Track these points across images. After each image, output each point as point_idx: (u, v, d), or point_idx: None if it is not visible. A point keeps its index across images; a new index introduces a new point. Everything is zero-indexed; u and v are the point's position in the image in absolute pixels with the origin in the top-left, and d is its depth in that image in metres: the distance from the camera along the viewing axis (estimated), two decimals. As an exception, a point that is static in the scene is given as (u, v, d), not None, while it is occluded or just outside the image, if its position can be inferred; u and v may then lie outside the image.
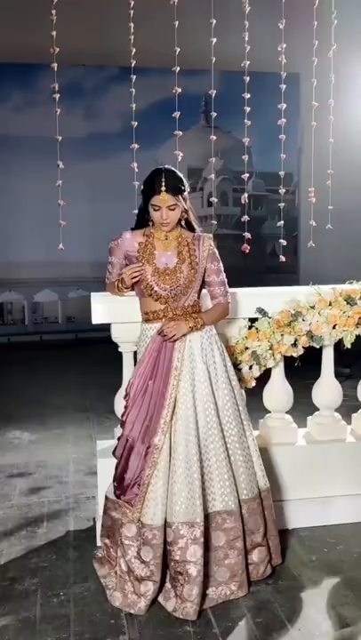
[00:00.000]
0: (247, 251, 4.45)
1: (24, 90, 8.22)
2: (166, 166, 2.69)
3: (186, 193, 2.70)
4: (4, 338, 8.60)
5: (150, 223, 2.73)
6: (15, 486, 3.85)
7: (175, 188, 2.62)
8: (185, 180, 2.71)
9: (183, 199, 2.67)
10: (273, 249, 9.20)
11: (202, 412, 2.66)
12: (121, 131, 7.71)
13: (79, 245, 7.55)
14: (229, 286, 2.85)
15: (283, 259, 4.52)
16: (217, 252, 2.78)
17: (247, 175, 4.68)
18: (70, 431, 4.92)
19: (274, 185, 9.91)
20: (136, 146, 4.27)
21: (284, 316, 3.10)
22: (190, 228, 2.78)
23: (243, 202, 4.65)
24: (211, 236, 2.79)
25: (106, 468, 2.94)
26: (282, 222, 4.78)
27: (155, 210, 2.64)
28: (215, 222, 5.03)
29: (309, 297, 3.15)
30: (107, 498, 2.79)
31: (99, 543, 2.92)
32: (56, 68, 4.02)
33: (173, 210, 2.64)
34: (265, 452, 3.19)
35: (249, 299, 3.17)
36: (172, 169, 2.69)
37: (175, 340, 2.66)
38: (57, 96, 4.15)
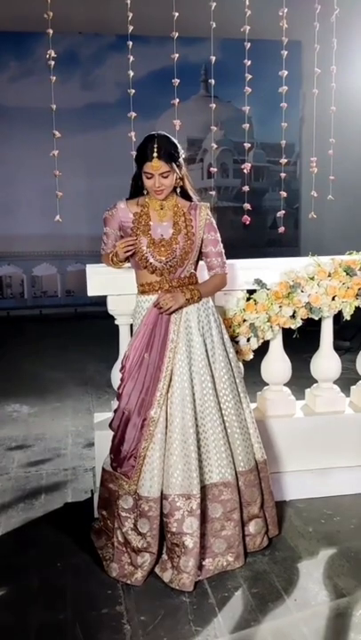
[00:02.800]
0: (248, 222, 4.38)
1: (20, 59, 8.04)
2: (160, 132, 2.61)
3: (181, 160, 2.63)
4: (4, 312, 8.56)
5: (145, 192, 2.67)
6: (13, 459, 3.85)
7: (168, 155, 2.54)
8: (179, 147, 2.63)
9: (178, 166, 2.60)
10: (274, 221, 9.10)
11: (198, 385, 2.63)
12: (119, 101, 7.54)
13: (77, 218, 7.46)
14: (228, 259, 2.80)
15: (282, 229, 4.46)
16: (214, 222, 2.73)
17: (248, 145, 4.59)
18: (69, 404, 4.92)
19: (275, 156, 9.77)
20: (133, 114, 4.18)
21: (283, 288, 3.06)
22: (187, 197, 2.72)
23: (244, 171, 4.56)
24: (208, 205, 2.73)
25: (103, 441, 2.92)
26: (283, 193, 4.71)
27: (147, 177, 2.57)
28: (214, 193, 4.94)
29: (308, 268, 3.10)
30: (104, 470, 2.78)
31: (96, 515, 2.92)
32: (51, 35, 3.91)
33: (167, 177, 2.57)
34: (263, 424, 3.18)
35: (247, 270, 3.12)
36: (166, 134, 2.61)
37: (171, 313, 2.62)
38: (52, 63, 4.04)
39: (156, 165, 2.53)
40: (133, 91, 4.19)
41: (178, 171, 2.60)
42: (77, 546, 2.83)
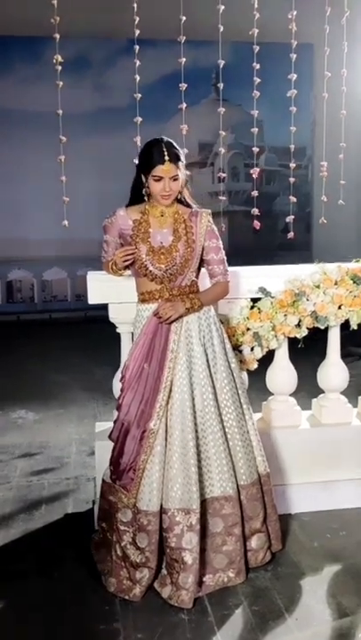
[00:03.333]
0: (258, 227, 4.33)
1: (31, 64, 8.05)
2: (163, 137, 2.57)
3: (183, 166, 2.58)
4: (14, 316, 8.56)
5: (146, 198, 2.62)
6: (16, 467, 3.81)
7: (177, 157, 2.52)
8: (182, 153, 2.60)
9: (182, 172, 2.56)
10: (285, 225, 9.00)
11: (199, 396, 2.57)
12: (130, 104, 7.49)
13: (88, 222, 7.43)
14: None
15: (291, 235, 4.39)
16: (216, 229, 2.67)
17: (257, 149, 4.55)
18: (74, 411, 4.88)
19: (286, 160, 9.66)
20: (139, 119, 4.16)
21: (288, 296, 2.99)
22: (186, 205, 2.67)
23: (253, 175, 4.51)
24: (209, 211, 2.67)
25: (103, 451, 2.87)
26: (292, 198, 4.65)
27: (155, 180, 2.51)
28: (224, 198, 4.89)
29: (314, 276, 3.03)
30: (103, 481, 2.73)
31: (96, 527, 2.87)
32: (58, 39, 3.89)
33: (176, 180, 2.53)
34: (268, 435, 3.11)
35: (251, 278, 3.06)
36: (170, 140, 2.57)
37: (171, 322, 2.56)
38: (59, 68, 4.04)
39: (167, 168, 2.48)
40: (140, 95, 4.17)
41: (182, 176, 2.56)
42: (76, 559, 2.78)
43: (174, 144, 2.57)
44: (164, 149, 2.49)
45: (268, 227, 8.47)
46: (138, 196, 2.65)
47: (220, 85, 4.41)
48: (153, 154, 2.51)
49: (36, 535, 3.01)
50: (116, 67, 8.24)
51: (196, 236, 2.61)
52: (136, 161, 2.68)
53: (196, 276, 2.69)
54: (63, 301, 8.81)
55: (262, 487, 2.70)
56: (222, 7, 3.99)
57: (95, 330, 7.90)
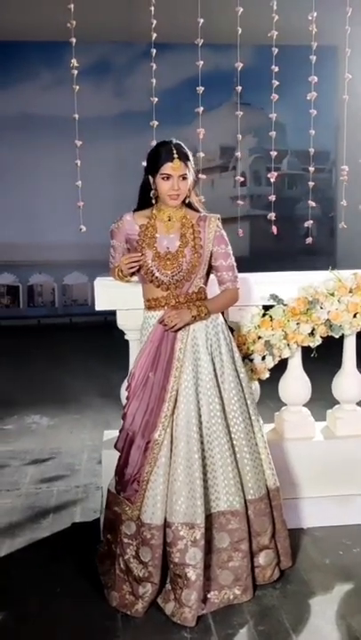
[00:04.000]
0: (275, 232, 4.27)
1: (52, 68, 8.08)
2: (173, 139, 2.52)
3: (192, 169, 2.52)
4: (34, 320, 8.58)
5: (153, 201, 2.56)
6: (26, 474, 3.78)
7: (186, 157, 2.47)
8: (191, 155, 2.54)
9: (191, 173, 2.50)
10: (308, 230, 8.89)
11: (205, 407, 2.50)
12: (150, 109, 7.50)
13: (108, 227, 7.43)
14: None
15: (310, 240, 4.30)
16: (225, 234, 2.59)
17: (275, 152, 4.48)
18: (89, 417, 4.84)
19: (309, 163, 9.57)
20: (156, 123, 4.14)
21: (301, 304, 2.90)
22: (195, 209, 2.61)
23: (271, 179, 4.44)
24: (218, 216, 2.60)
25: (110, 460, 2.80)
26: (311, 202, 4.58)
27: (164, 179, 2.45)
28: (242, 202, 4.81)
29: (328, 283, 2.93)
30: (109, 491, 2.67)
31: (102, 537, 2.81)
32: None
33: (185, 180, 2.47)
34: (280, 447, 3.03)
35: (263, 284, 2.97)
36: (180, 141, 2.52)
37: (177, 330, 2.49)
38: (74, 72, 4.06)
39: (176, 165, 2.43)
40: (156, 99, 4.16)
41: (191, 178, 2.49)
42: (80, 570, 2.72)
43: (183, 145, 2.52)
44: (173, 148, 2.44)
45: (290, 231, 8.38)
46: (145, 199, 2.60)
47: (238, 88, 4.38)
48: (161, 153, 2.46)
49: (42, 545, 2.96)
50: (137, 71, 8.22)
51: (203, 242, 2.54)
52: (144, 164, 2.62)
53: (205, 283, 2.62)
54: (83, 306, 8.80)
55: (271, 502, 2.61)
56: (241, 9, 3.95)
57: (115, 335, 7.87)
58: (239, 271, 2.64)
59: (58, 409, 5.02)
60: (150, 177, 2.52)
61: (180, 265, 2.50)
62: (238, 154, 4.74)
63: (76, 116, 4.17)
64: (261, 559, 2.57)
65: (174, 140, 2.51)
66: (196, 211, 2.60)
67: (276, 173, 4.45)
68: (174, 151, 2.43)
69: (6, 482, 3.66)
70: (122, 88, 8.48)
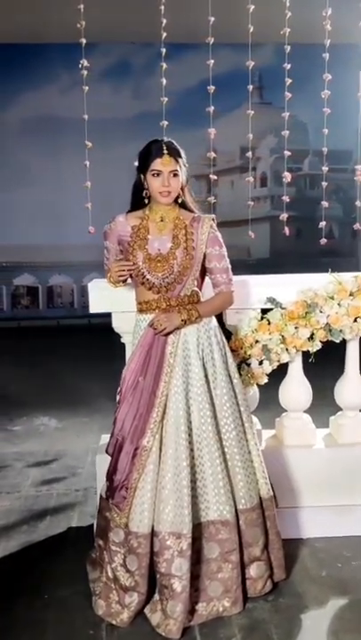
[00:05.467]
0: (288, 233, 4.22)
1: (70, 70, 8.09)
2: (165, 137, 2.48)
3: (184, 168, 2.46)
4: (54, 321, 8.63)
5: (146, 201, 2.50)
6: (28, 476, 3.77)
7: (177, 152, 2.42)
8: (183, 153, 2.48)
9: (182, 171, 2.44)
10: (329, 230, 8.74)
11: (196, 413, 2.43)
12: (168, 110, 7.47)
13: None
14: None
15: (323, 241, 4.22)
16: (219, 236, 2.52)
17: (289, 153, 4.43)
18: (97, 420, 4.81)
19: (332, 164, 9.41)
20: (165, 122, 4.15)
21: (299, 307, 2.81)
22: (189, 210, 2.54)
23: (284, 180, 4.37)
24: (212, 217, 2.54)
25: (105, 464, 2.76)
26: (324, 203, 4.51)
27: (154, 176, 2.40)
28: (252, 203, 4.74)
29: (328, 286, 2.84)
30: (101, 497, 2.63)
31: (95, 544, 2.77)
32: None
33: (175, 177, 2.41)
34: (280, 454, 2.95)
35: (261, 287, 2.90)
36: (172, 140, 2.48)
37: (167, 334, 2.43)
38: (84, 72, 4.08)
39: (166, 161, 2.38)
40: (166, 99, 4.15)
41: (183, 176, 2.44)
42: (71, 576, 2.68)
43: (175, 143, 2.47)
44: (163, 145, 2.40)
45: (310, 232, 8.23)
46: (138, 200, 2.55)
47: (250, 87, 4.39)
48: (152, 150, 2.42)
49: (36, 549, 2.93)
50: (156, 72, 8.20)
51: (196, 243, 2.48)
52: (136, 163, 2.57)
53: (199, 286, 2.56)
54: (102, 307, 8.80)
55: (264, 512, 2.53)
56: (252, 7, 3.90)
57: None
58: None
59: (67, 411, 5.01)
60: (142, 175, 2.47)
61: (172, 267, 2.44)
62: (250, 154, 4.69)
63: (86, 116, 4.19)
64: (252, 571, 2.49)
65: (166, 139, 2.47)
66: (191, 211, 2.54)
67: (289, 174, 4.39)
68: (164, 147, 2.39)
69: (8, 484, 3.65)
70: (140, 89, 8.47)
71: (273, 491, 2.61)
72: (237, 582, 2.42)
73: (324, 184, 4.55)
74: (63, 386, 5.74)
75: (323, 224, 4.25)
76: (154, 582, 2.42)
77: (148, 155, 2.43)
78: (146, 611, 2.42)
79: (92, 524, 3.07)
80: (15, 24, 7.70)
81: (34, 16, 7.65)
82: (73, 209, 8.37)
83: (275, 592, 2.54)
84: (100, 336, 8.05)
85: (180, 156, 2.43)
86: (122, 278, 2.49)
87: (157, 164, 2.39)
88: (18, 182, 8.69)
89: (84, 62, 4.06)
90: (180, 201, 2.51)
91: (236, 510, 2.44)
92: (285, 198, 4.32)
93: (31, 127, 8.69)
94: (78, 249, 8.55)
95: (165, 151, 2.38)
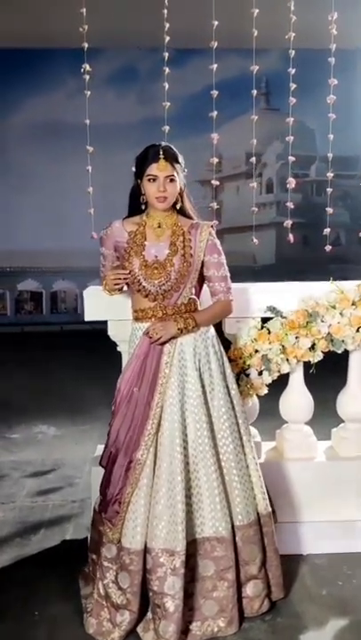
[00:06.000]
0: (292, 240, 4.14)
1: (76, 75, 8.08)
2: (163, 142, 2.42)
3: (182, 173, 2.39)
4: (57, 326, 8.57)
5: (143, 207, 2.44)
6: (24, 486, 3.69)
7: (174, 157, 2.35)
8: (182, 158, 2.41)
9: (180, 176, 2.37)
10: (336, 237, 8.65)
11: (192, 425, 2.35)
12: (174, 115, 7.42)
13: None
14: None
15: (329, 248, 4.15)
16: (218, 243, 2.45)
17: (293, 158, 4.36)
18: (97, 428, 4.72)
19: (339, 169, 9.32)
20: (167, 128, 4.11)
21: (300, 316, 2.73)
22: (188, 216, 2.48)
23: (289, 186, 4.30)
24: (210, 223, 2.47)
25: (99, 477, 2.69)
26: (329, 209, 4.44)
27: (150, 181, 2.34)
28: (256, 209, 4.66)
29: (330, 295, 2.76)
30: (94, 510, 2.55)
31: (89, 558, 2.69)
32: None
33: (172, 182, 2.34)
34: (280, 467, 2.87)
35: (263, 295, 2.82)
36: (170, 144, 2.42)
37: (163, 343, 2.36)
38: (87, 77, 4.06)
39: (162, 166, 2.32)
40: (169, 104, 4.12)
41: (180, 181, 2.37)
42: (64, 592, 2.60)
43: (173, 148, 2.40)
44: (160, 150, 2.34)
45: (317, 238, 8.14)
46: (135, 205, 2.48)
47: (254, 92, 4.31)
48: (148, 155, 2.36)
49: (28, 562, 2.86)
50: (161, 78, 8.16)
51: (194, 250, 2.41)
52: (134, 168, 2.51)
53: (197, 294, 2.49)
54: (106, 312, 8.76)
55: (262, 528, 2.44)
56: (256, 10, 3.86)
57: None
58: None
59: (66, 419, 4.94)
60: (139, 181, 2.41)
61: (169, 274, 2.37)
62: (253, 159, 4.62)
63: (87, 121, 4.15)
64: (249, 589, 2.41)
65: (163, 143, 2.40)
66: (190, 218, 2.48)
67: (294, 180, 4.32)
68: (160, 152, 2.32)
69: (3, 494, 3.58)
70: (146, 94, 8.44)
71: (272, 506, 2.53)
72: (233, 601, 2.34)
73: (330, 190, 4.48)
74: (64, 392, 5.67)
75: (327, 231, 4.17)
76: (147, 600, 2.35)
77: (144, 160, 2.37)
78: (138, 629, 2.34)
79: (87, 538, 3.00)
80: (22, 29, 7.69)
81: (41, 21, 7.63)
82: (77, 214, 8.32)
83: (272, 612, 2.46)
84: (103, 342, 8.02)
85: (177, 161, 2.36)
86: (117, 287, 2.43)
87: (153, 169, 2.33)
88: (23, 187, 8.67)
89: (87, 67, 4.04)
90: (178, 207, 2.44)
91: (232, 526, 2.36)
92: (290, 204, 4.26)
93: (37, 133, 8.66)
94: (82, 254, 8.47)
95: (161, 156, 2.32)
